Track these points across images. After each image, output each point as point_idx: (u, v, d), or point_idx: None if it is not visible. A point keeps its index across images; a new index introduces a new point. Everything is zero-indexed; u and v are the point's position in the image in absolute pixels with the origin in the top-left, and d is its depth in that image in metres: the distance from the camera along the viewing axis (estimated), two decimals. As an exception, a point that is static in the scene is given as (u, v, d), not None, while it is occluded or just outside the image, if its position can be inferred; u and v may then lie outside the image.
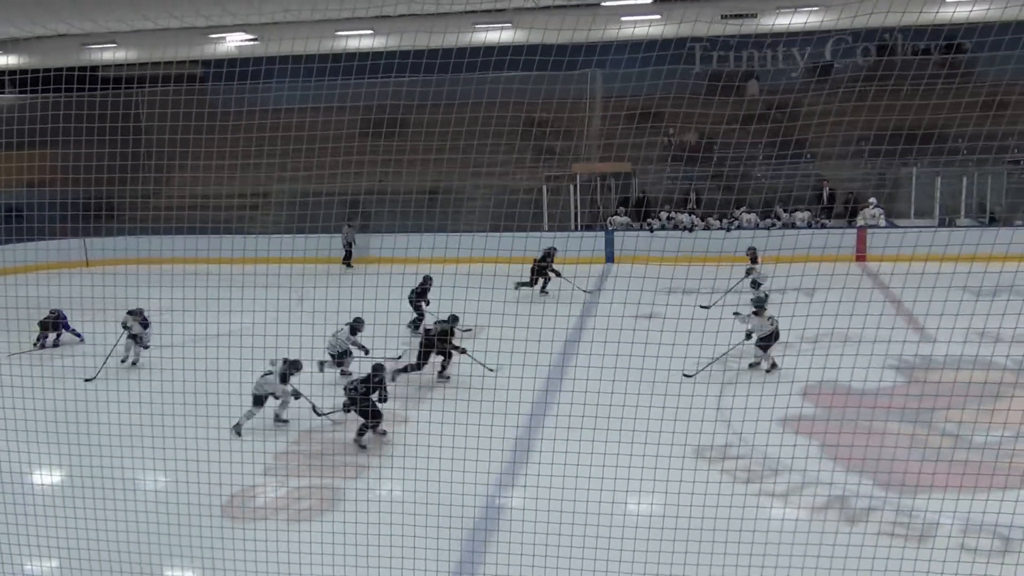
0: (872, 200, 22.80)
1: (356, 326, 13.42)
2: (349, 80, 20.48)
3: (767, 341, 13.27)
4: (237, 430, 11.29)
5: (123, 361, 14.65)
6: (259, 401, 11.49)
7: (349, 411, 11.14)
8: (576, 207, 24.67)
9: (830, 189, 24.27)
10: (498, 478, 9.51)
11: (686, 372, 12.48)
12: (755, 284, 16.27)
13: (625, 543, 7.69)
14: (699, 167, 23.32)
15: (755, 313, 13.35)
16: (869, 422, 11.09)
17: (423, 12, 21.34)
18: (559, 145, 25.15)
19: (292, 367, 11.42)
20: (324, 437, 11.49)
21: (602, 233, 23.36)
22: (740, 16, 23.85)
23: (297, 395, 11.54)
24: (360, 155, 23.62)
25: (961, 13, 22.45)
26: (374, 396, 11.02)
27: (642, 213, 23.98)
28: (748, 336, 13.43)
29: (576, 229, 24.42)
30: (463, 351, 13.15)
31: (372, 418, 10.97)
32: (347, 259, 24.29)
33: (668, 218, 23.48)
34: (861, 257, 21.53)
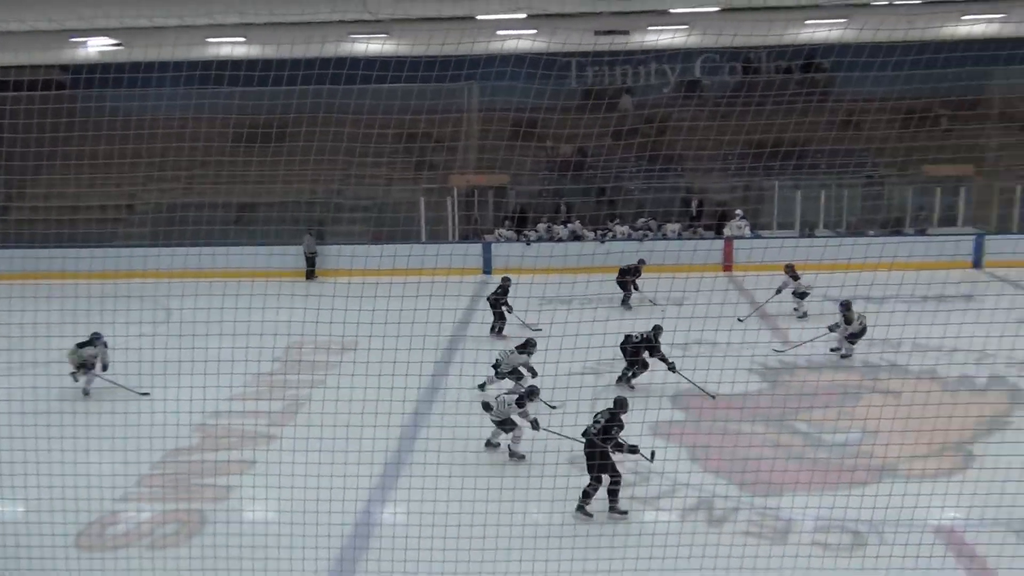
0: (738, 212, 23.73)
1: (528, 349, 12.67)
2: (220, 89, 19.93)
3: (856, 337, 14.65)
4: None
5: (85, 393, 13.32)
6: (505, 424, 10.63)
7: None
8: (454, 219, 24.72)
9: (699, 201, 25.13)
10: (368, 494, 9.36)
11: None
12: (800, 295, 17.39)
13: (499, 554, 7.71)
14: (580, 181, 23.76)
15: (846, 320, 14.57)
16: (734, 422, 11.47)
17: (287, 21, 21.03)
18: (441, 161, 25.18)
19: (530, 395, 10.66)
20: (192, 457, 11.06)
21: (479, 244, 23.49)
22: (613, 33, 24.46)
23: (536, 426, 10.45)
24: (232, 166, 23.04)
25: (820, 34, 23.68)
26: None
27: (526, 222, 24.24)
28: (832, 329, 14.78)
29: (454, 240, 24.46)
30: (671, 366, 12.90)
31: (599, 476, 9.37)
32: (310, 270, 23.36)
33: (547, 229, 23.81)
34: (728, 267, 22.36)
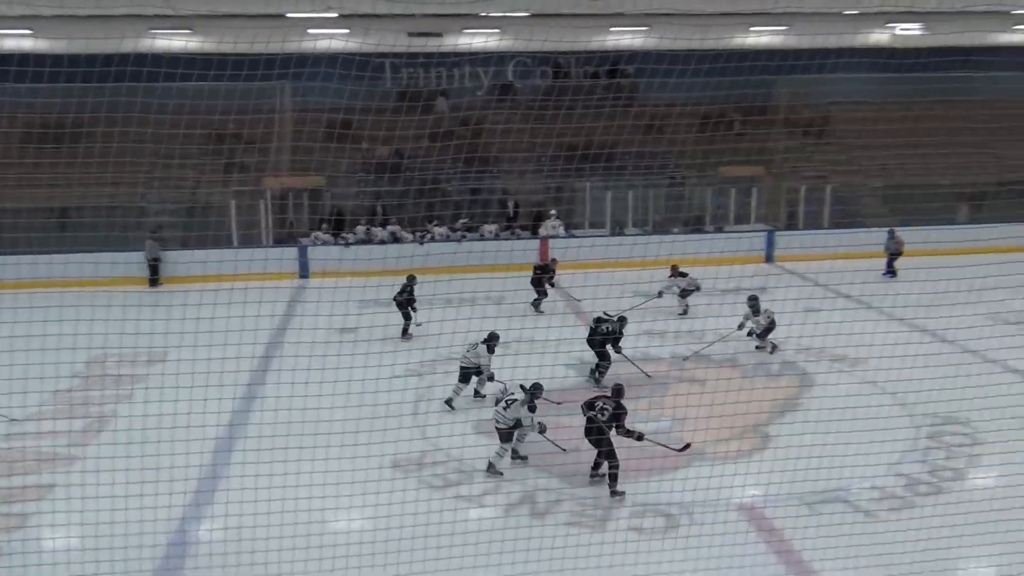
0: (553, 212, 24.42)
1: (492, 343, 12.64)
2: (6, 84, 18.40)
3: (766, 332, 15.14)
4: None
5: None
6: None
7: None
8: (268, 222, 23.98)
9: (515, 202, 25.64)
10: (182, 511, 8.93)
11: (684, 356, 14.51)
12: (684, 293, 17.75)
13: (324, 564, 7.57)
14: (397, 183, 23.62)
15: (754, 312, 15.18)
16: (552, 416, 11.80)
17: (79, 14, 19.70)
18: (253, 162, 24.30)
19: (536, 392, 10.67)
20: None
21: (295, 247, 22.90)
22: (426, 35, 24.53)
23: (543, 429, 10.54)
24: (21, 168, 21.35)
25: (624, 41, 24.72)
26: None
27: (344, 225, 23.83)
28: (740, 327, 15.23)
29: (268, 244, 23.72)
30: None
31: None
32: (154, 277, 21.50)
33: (366, 232, 23.54)
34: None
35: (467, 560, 7.76)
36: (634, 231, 24.94)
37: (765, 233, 24.67)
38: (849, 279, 19.02)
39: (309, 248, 22.91)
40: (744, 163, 25.97)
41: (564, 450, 10.55)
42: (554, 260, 19.69)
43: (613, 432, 9.78)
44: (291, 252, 22.77)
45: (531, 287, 18.35)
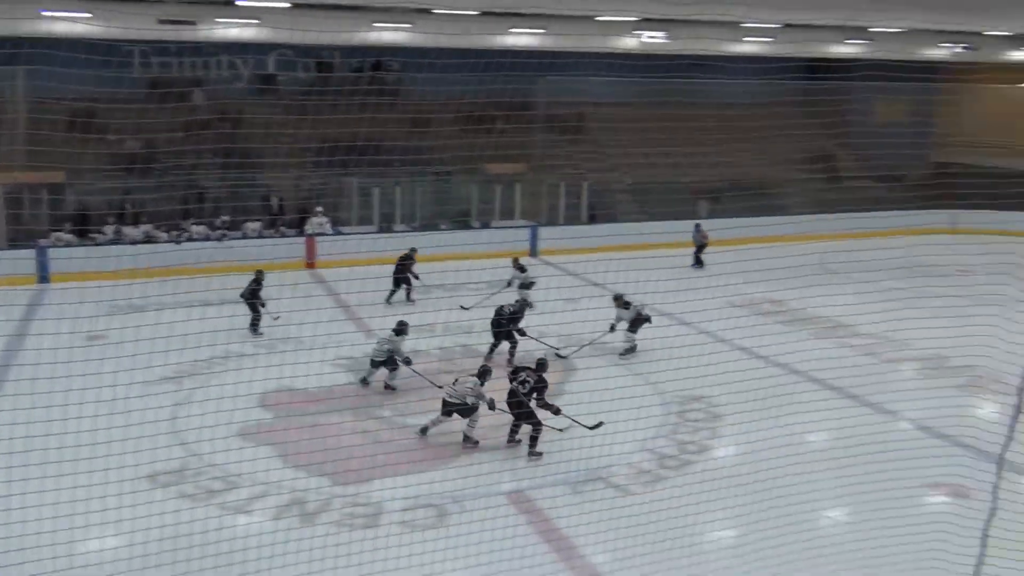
0: (319, 208, 23.96)
1: (402, 330, 13.23)
2: None
3: (638, 325, 15.18)
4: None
5: None
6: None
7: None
8: (0, 222, 21.77)
9: (280, 198, 24.92)
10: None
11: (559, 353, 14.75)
12: (526, 286, 17.81)
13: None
14: (149, 178, 22.19)
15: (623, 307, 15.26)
16: (323, 414, 11.63)
17: None
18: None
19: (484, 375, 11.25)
20: None
21: (33, 249, 20.94)
22: (179, 22, 23.19)
23: (492, 405, 11.14)
24: None
25: (387, 36, 24.64)
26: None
27: (89, 223, 22.04)
28: (612, 328, 15.17)
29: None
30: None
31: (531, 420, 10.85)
32: None
33: (116, 231, 21.95)
34: (311, 264, 22.50)
35: (235, 569, 7.51)
36: (402, 227, 25.01)
37: (529, 228, 25.57)
38: (604, 269, 20.14)
39: (50, 249, 21.03)
40: (507, 160, 26.76)
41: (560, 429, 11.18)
42: (413, 250, 19.45)
43: (533, 403, 10.77)
44: (28, 254, 20.81)
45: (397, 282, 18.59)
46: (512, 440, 11.13)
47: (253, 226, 23.33)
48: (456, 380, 11.32)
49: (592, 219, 27.94)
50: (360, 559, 7.87)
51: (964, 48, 28.66)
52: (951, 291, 15.94)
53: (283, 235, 23.46)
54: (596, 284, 19.98)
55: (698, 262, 23.12)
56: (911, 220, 24.25)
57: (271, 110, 24.17)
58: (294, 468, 10.38)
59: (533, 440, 10.80)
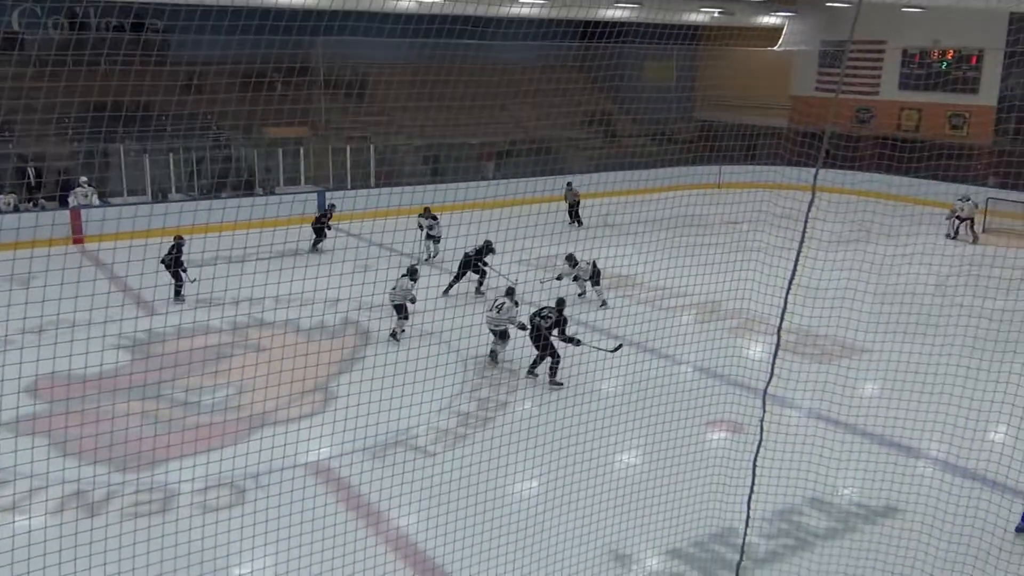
0: (83, 179, 22.15)
1: (415, 273, 14.37)
2: None
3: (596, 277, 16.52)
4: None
5: None
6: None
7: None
8: None
9: (36, 170, 22.84)
10: None
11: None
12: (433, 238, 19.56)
13: None
14: None
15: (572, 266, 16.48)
16: (108, 404, 10.89)
17: None
18: None
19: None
20: None
21: None
22: None
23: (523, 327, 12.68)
24: None
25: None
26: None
27: None
28: (559, 278, 16.64)
29: None
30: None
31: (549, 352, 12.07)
32: None
33: None
34: (79, 239, 20.82)
35: (17, 567, 6.90)
36: (179, 196, 23.65)
37: (316, 194, 24.92)
38: (398, 236, 20.04)
39: None
40: (289, 124, 25.89)
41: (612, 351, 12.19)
42: (332, 206, 21.21)
43: (555, 336, 12.07)
44: None
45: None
46: (531, 373, 12.42)
47: (6, 199, 21.24)
48: (500, 306, 12.87)
49: (382, 183, 27.67)
50: (152, 547, 7.46)
51: (720, 13, 30.65)
52: (720, 241, 17.14)
53: (43, 209, 21.53)
54: (390, 248, 19.86)
55: (576, 219, 23.68)
56: (683, 176, 25.81)
57: (18, 72, 21.97)
58: (75, 457, 9.66)
59: (553, 371, 12.19)
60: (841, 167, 26.32)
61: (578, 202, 23.95)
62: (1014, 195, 24.01)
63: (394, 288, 14.21)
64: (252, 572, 7.66)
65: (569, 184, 24.32)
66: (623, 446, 10.20)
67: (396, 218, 22.26)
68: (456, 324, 13.08)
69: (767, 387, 6.24)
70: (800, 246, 5.89)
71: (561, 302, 12.81)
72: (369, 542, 8.34)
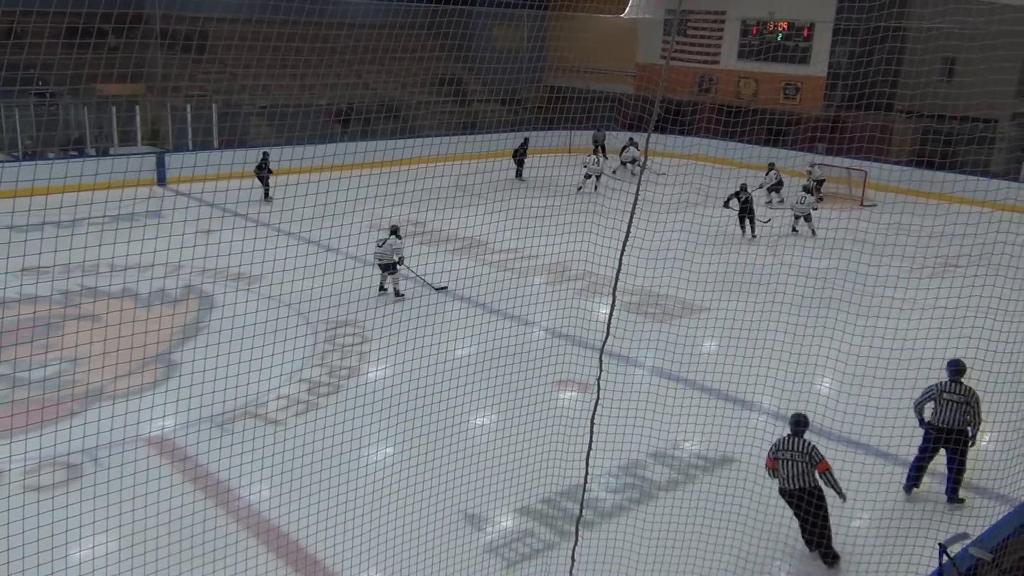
0: None
1: (398, 230, 14.81)
2: None
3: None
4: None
5: None
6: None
7: None
8: None
9: None
10: None
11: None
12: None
13: None
14: None
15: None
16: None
17: None
18: None
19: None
20: None
21: None
22: None
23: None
24: None
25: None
26: None
27: None
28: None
29: None
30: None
31: None
32: None
33: None
34: None
35: None
36: (1, 156, 21.98)
37: (155, 155, 23.71)
38: (242, 198, 19.33)
39: None
40: (123, 81, 24.42)
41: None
42: (266, 153, 21.42)
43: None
44: None
45: None
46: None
47: None
48: (382, 242, 14.31)
49: (225, 143, 26.58)
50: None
51: (570, -22, 30.93)
52: (571, 206, 17.48)
53: None
54: (236, 214, 19.19)
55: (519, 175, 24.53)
56: (535, 141, 26.07)
57: None
58: None
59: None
60: (682, 133, 27.31)
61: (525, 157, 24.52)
62: (839, 160, 25.60)
63: (380, 247, 14.65)
64: (92, 554, 7.32)
65: (526, 140, 25.11)
66: (473, 409, 10.32)
67: (240, 179, 21.49)
68: (305, 287, 12.80)
69: (603, 346, 6.44)
70: (633, 208, 6.06)
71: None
72: (216, 515, 8.13)
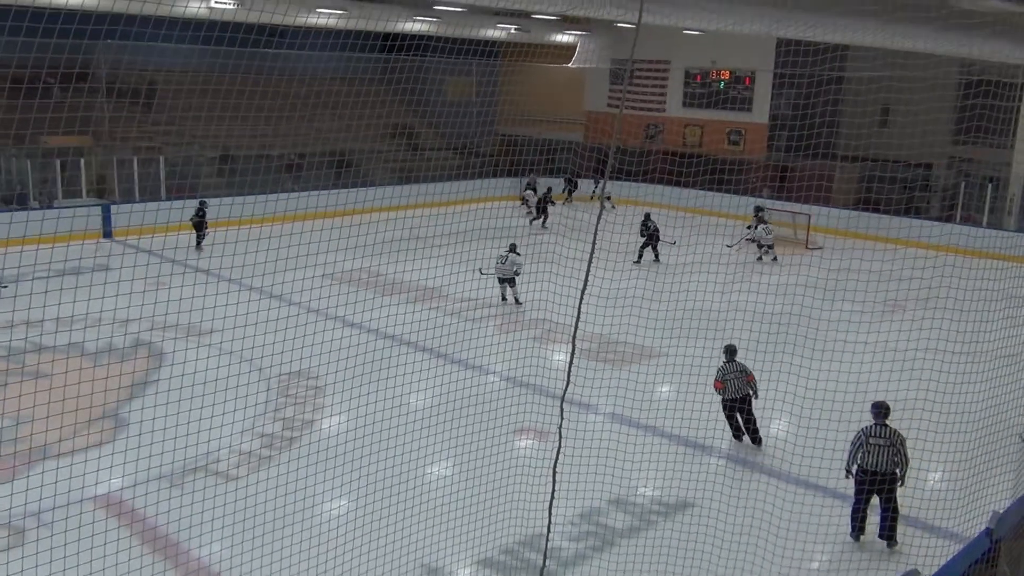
0: None
1: (515, 249, 17.46)
2: None
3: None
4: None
5: None
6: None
7: None
8: None
9: None
10: None
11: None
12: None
13: None
14: None
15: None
16: None
17: None
18: None
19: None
20: None
21: None
22: None
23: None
24: None
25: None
26: None
27: None
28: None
29: None
30: None
31: None
32: None
33: None
34: None
35: None
36: (-62, 211, 21.50)
37: (100, 207, 23.36)
38: (192, 251, 19.05)
39: None
40: (68, 133, 24.12)
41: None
42: (203, 201, 21.33)
43: None
44: None
45: None
46: None
47: None
48: (503, 259, 17.01)
49: (175, 195, 26.30)
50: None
51: (517, 29, 31.50)
52: (524, 251, 17.59)
53: None
54: (182, 263, 18.95)
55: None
56: (486, 189, 26.31)
57: None
58: None
59: None
60: (632, 180, 27.74)
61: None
62: (783, 205, 26.18)
63: (502, 264, 17.12)
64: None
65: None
66: (432, 458, 10.23)
67: (190, 233, 21.26)
68: (258, 342, 12.62)
69: (564, 394, 6.45)
70: (591, 256, 6.13)
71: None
72: (167, 574, 7.91)
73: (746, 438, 11.15)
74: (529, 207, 28.61)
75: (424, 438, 10.08)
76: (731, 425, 11.18)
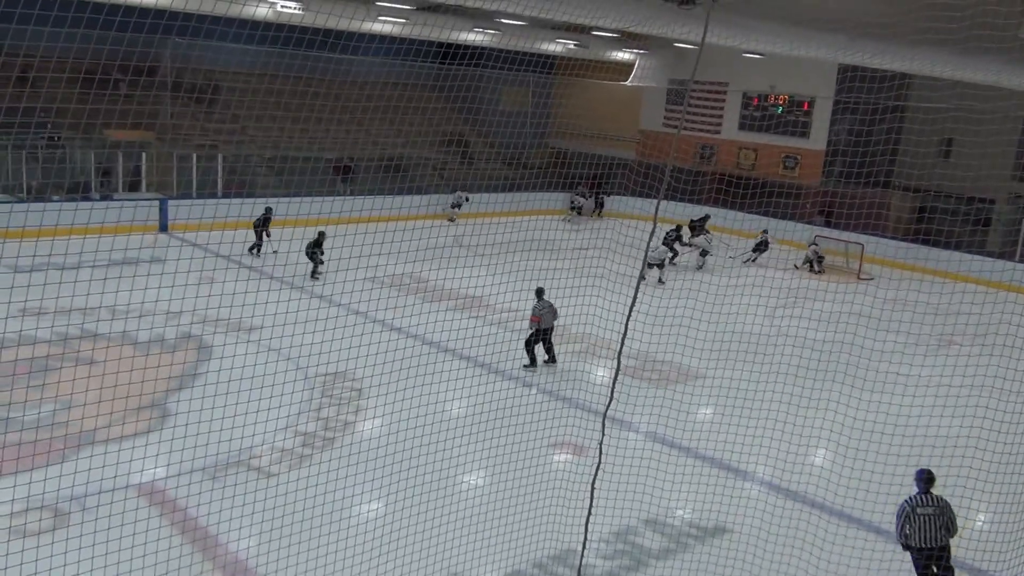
0: None
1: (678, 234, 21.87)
2: None
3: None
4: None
5: None
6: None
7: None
8: None
9: None
10: None
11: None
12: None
13: None
14: None
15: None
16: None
17: None
18: None
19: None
20: None
21: None
22: None
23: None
24: None
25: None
26: None
27: None
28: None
29: None
30: None
31: None
32: None
33: None
34: None
35: None
36: (3, 197, 22.08)
37: (158, 201, 23.85)
38: (245, 248, 19.35)
39: None
40: (131, 127, 24.70)
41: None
42: (269, 209, 20.88)
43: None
44: None
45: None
46: None
47: None
48: (655, 248, 18.04)
49: (229, 193, 26.76)
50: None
51: (576, 45, 31.51)
52: (568, 266, 17.55)
53: None
54: (232, 260, 19.24)
55: None
56: (535, 202, 26.35)
57: None
58: None
59: None
60: (683, 200, 27.57)
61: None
62: (837, 233, 25.79)
63: (653, 252, 18.70)
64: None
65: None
66: (468, 467, 10.22)
67: (246, 230, 21.60)
68: (305, 340, 12.76)
69: (607, 411, 6.41)
70: (641, 274, 6.10)
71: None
72: (203, 569, 8.00)
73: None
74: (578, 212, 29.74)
75: (461, 446, 10.07)
76: (529, 355, 13.92)
